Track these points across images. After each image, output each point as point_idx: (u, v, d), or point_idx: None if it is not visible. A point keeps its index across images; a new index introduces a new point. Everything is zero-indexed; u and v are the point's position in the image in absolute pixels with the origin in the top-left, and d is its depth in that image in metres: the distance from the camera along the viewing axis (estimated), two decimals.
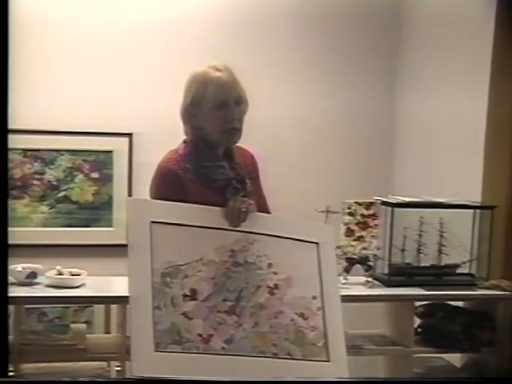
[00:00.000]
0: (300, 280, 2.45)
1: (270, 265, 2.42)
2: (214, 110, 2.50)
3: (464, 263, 3.47)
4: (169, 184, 2.48)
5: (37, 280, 3.13)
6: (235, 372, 2.25)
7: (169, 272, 2.28)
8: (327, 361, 2.37)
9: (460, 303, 3.49)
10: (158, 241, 2.31)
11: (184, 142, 2.60)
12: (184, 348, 2.21)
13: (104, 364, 3.18)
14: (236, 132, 2.55)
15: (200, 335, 2.24)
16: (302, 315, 2.39)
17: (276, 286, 2.40)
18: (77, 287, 3.11)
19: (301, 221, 2.64)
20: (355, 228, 3.33)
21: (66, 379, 2.88)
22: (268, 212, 2.67)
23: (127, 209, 2.39)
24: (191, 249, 2.35)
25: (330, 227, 2.73)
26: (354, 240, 3.33)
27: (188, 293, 2.29)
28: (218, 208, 2.44)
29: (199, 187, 2.49)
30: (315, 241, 2.53)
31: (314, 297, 2.44)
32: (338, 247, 3.30)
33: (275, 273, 2.42)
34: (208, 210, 2.42)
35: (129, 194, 4.01)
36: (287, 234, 2.50)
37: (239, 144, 2.64)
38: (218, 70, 2.52)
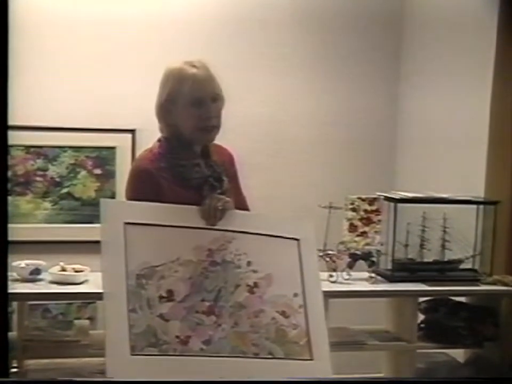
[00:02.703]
0: (281, 277, 2.37)
1: (249, 263, 2.35)
2: (189, 107, 2.42)
3: (467, 258, 3.47)
4: (143, 184, 2.41)
5: (40, 277, 3.14)
6: (214, 373, 2.18)
7: (144, 273, 2.22)
8: (310, 359, 2.30)
9: (463, 299, 3.49)
10: (132, 243, 2.24)
11: (159, 140, 2.52)
12: (161, 350, 2.15)
13: None
14: (213, 129, 2.46)
15: (177, 336, 2.18)
16: (283, 313, 2.32)
17: (255, 285, 2.33)
18: (80, 283, 3.12)
19: (281, 217, 2.59)
20: (358, 223, 3.33)
21: (68, 378, 2.88)
22: (247, 210, 2.58)
23: (101, 211, 2.31)
24: (167, 249, 2.29)
25: (310, 223, 2.57)
26: (358, 235, 3.33)
27: (164, 294, 2.22)
28: (194, 207, 2.37)
29: (174, 186, 2.42)
30: (296, 237, 2.45)
31: (295, 295, 2.36)
32: (342, 242, 3.31)
33: (254, 271, 2.35)
34: (183, 210, 2.35)
35: None
36: (266, 231, 2.42)
37: (217, 141, 2.56)
38: (194, 66, 2.44)
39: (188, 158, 2.46)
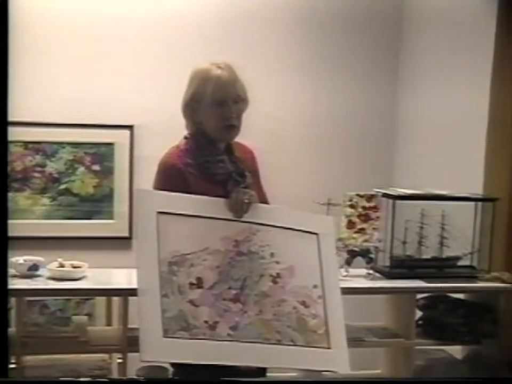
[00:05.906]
0: (301, 269, 2.51)
1: (272, 254, 2.49)
2: (212, 106, 2.56)
3: (465, 255, 3.47)
4: (171, 179, 2.53)
5: (39, 273, 3.14)
6: (241, 358, 2.31)
7: (175, 261, 2.35)
8: (328, 348, 2.42)
9: (461, 296, 3.49)
10: (164, 231, 2.37)
11: (185, 137, 2.65)
12: (191, 334, 2.27)
13: (105, 356, 3.18)
14: (233, 128, 2.60)
15: (206, 321, 2.30)
16: (303, 303, 2.45)
17: (278, 275, 2.46)
18: (78, 279, 3.12)
19: (302, 212, 2.69)
20: (356, 220, 3.33)
21: (65, 378, 2.88)
22: (268, 204, 2.71)
23: (135, 201, 2.50)
24: (196, 239, 2.42)
25: (330, 218, 2.79)
26: (356, 232, 3.33)
27: (194, 281, 2.35)
28: (222, 199, 2.51)
29: (200, 181, 2.55)
30: (315, 232, 2.60)
31: (315, 286, 2.50)
32: (340, 239, 3.31)
33: (277, 262, 2.48)
34: (212, 202, 2.49)
35: (130, 187, 4.01)
36: (288, 225, 2.57)
37: (238, 140, 2.70)
38: (220, 67, 2.58)
39: (212, 154, 2.60)
